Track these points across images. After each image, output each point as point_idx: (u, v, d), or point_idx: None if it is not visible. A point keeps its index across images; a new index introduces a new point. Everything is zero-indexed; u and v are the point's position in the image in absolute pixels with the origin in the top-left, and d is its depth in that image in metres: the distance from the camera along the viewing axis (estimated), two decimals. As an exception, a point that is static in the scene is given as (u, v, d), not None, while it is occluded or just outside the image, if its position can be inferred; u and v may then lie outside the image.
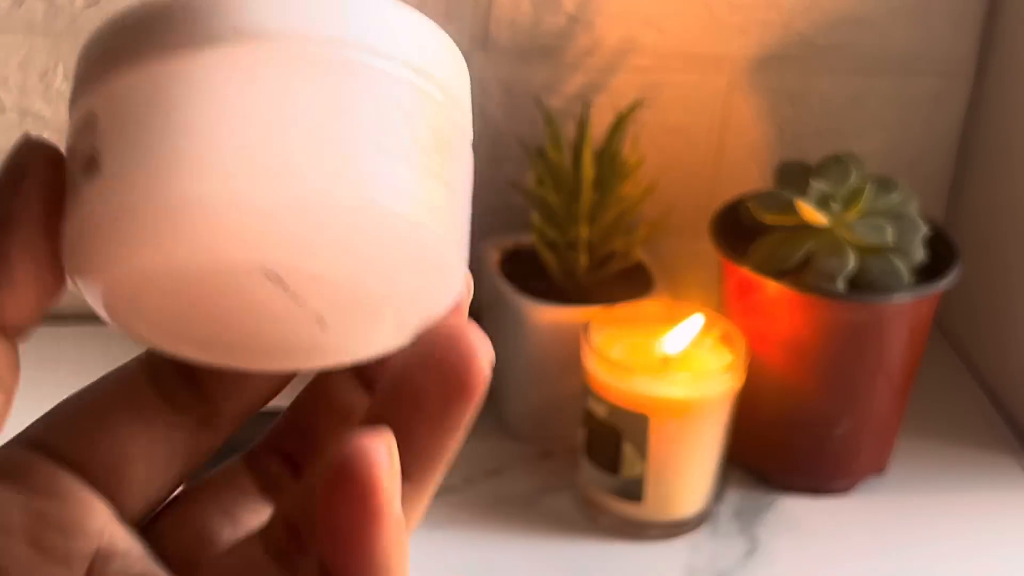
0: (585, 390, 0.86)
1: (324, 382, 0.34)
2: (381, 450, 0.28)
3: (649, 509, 0.86)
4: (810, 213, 0.86)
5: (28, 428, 0.33)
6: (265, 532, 0.33)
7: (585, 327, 0.86)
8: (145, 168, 0.28)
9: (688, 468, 0.85)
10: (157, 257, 0.28)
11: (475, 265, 1.02)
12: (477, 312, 0.99)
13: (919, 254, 0.88)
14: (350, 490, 0.28)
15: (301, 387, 0.34)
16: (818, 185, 0.87)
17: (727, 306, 0.90)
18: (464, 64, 0.31)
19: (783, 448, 0.91)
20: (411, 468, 0.31)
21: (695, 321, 0.87)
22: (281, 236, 0.28)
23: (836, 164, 0.89)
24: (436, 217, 0.29)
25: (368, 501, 0.28)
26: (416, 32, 0.30)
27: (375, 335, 0.30)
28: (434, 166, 0.29)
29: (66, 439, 0.33)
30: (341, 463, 0.28)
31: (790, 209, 0.87)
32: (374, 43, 0.29)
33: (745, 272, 0.87)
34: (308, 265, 0.28)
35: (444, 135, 0.30)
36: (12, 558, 0.31)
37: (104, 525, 0.32)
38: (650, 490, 0.85)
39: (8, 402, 0.30)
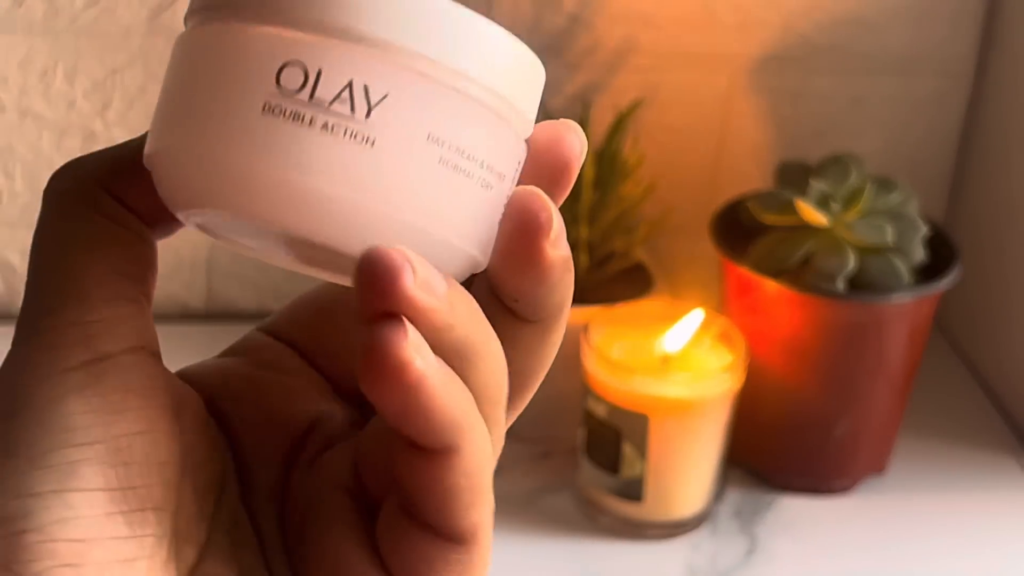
0: (585, 390, 0.86)
1: None
2: (398, 327, 0.30)
3: (649, 509, 0.86)
4: (810, 213, 0.86)
5: (268, 319, 0.39)
6: None
7: (585, 327, 0.86)
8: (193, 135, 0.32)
9: (688, 468, 0.85)
10: (205, 209, 0.32)
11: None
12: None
13: (919, 254, 0.88)
14: (382, 374, 0.30)
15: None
16: (818, 185, 0.87)
17: (727, 306, 0.90)
18: (540, 80, 0.34)
19: (783, 448, 0.91)
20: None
21: (695, 317, 0.87)
22: (298, 214, 0.31)
23: (836, 164, 0.89)
24: (439, 215, 0.32)
25: (401, 379, 0.30)
26: (494, 49, 0.32)
27: None
28: (467, 167, 0.32)
29: (297, 327, 0.38)
30: (364, 350, 0.30)
31: (790, 209, 0.87)
32: (455, 64, 0.32)
33: (745, 272, 0.87)
34: (315, 238, 0.32)
35: (479, 143, 0.33)
36: (240, 419, 0.37)
37: (321, 396, 0.38)
38: (650, 490, 0.85)
39: (147, 292, 0.35)
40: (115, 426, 0.33)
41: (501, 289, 0.34)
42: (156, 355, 0.35)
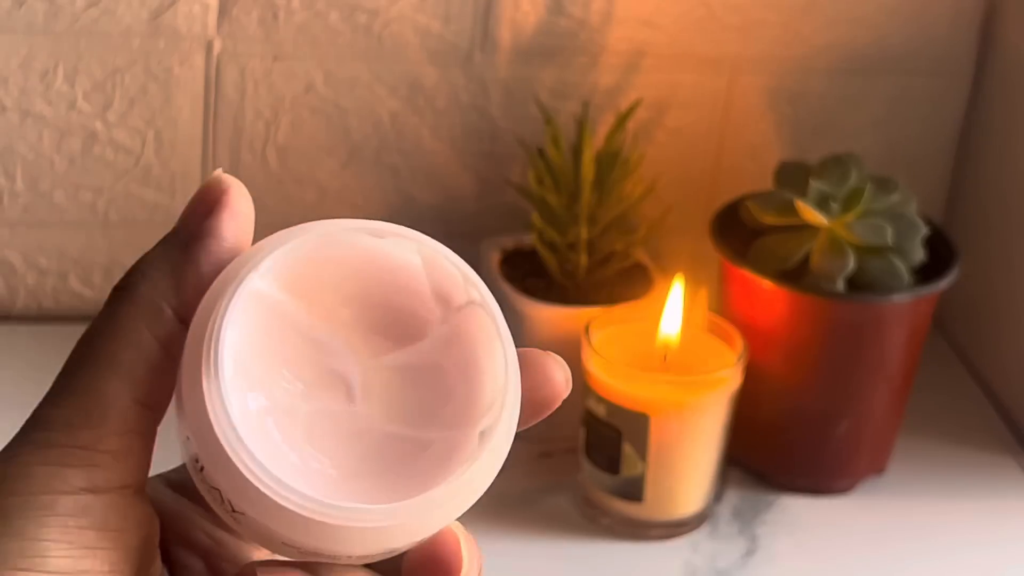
0: (585, 390, 0.86)
1: None
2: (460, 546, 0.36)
3: (649, 509, 0.86)
4: (810, 213, 0.86)
5: None
6: None
7: (585, 327, 0.86)
8: None
9: (688, 468, 0.85)
10: None
11: (475, 265, 1.02)
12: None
13: (918, 254, 0.88)
14: None
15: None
16: (818, 185, 0.88)
17: (727, 306, 0.90)
18: None
19: (783, 448, 0.91)
20: None
21: (676, 290, 0.86)
22: None
23: (836, 164, 0.89)
24: None
25: None
26: None
27: None
28: None
29: None
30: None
31: (790, 209, 0.87)
32: None
33: (745, 272, 0.87)
34: None
35: None
36: (190, 571, 0.39)
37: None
38: (650, 490, 0.85)
39: (159, 419, 0.37)
40: (82, 562, 0.34)
41: None
42: (141, 491, 0.36)
